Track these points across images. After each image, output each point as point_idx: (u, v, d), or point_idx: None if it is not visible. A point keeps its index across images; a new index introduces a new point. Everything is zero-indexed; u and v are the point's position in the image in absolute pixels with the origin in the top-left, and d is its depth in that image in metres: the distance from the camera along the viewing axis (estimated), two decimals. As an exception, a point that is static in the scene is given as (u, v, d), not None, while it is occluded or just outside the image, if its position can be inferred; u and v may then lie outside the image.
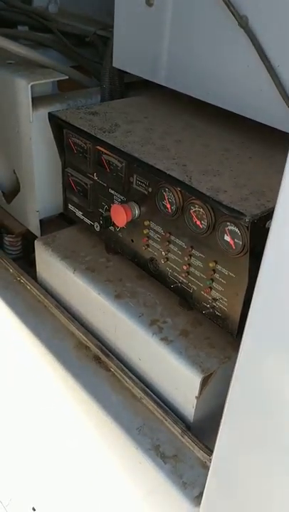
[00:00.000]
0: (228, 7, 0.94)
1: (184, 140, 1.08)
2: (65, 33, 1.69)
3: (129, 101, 1.32)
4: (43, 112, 1.26)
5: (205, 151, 1.04)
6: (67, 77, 1.35)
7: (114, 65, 1.30)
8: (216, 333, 1.05)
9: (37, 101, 1.28)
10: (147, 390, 1.09)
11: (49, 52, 1.62)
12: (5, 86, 1.31)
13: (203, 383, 0.97)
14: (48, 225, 1.47)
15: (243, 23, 0.94)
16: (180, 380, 1.01)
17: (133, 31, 1.20)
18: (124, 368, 1.13)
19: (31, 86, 1.23)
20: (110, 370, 1.15)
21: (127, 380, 1.11)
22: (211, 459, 0.91)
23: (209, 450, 0.98)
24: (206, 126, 1.16)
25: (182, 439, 1.01)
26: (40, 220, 1.44)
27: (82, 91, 1.45)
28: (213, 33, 1.02)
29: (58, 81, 1.37)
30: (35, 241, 1.33)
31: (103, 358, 1.17)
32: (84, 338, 1.21)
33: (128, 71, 1.29)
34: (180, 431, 1.01)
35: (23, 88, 1.24)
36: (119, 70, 1.32)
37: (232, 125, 1.15)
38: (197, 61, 1.08)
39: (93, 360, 1.18)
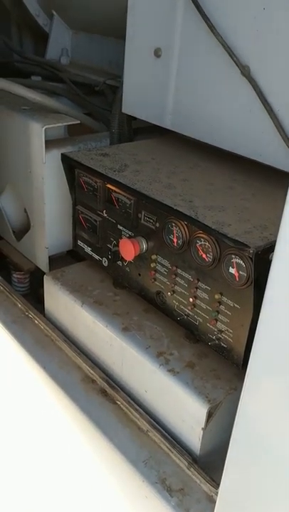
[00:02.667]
0: (232, 58, 1.02)
1: (189, 179, 1.14)
2: (76, 82, 1.80)
3: (137, 144, 1.40)
4: (56, 154, 1.33)
5: (210, 189, 1.09)
6: (78, 122, 1.43)
7: (123, 110, 1.38)
8: (221, 365, 1.07)
9: (50, 143, 1.35)
10: (153, 422, 1.09)
11: (61, 100, 1.72)
12: (20, 129, 1.39)
13: (210, 414, 0.98)
14: (56, 262, 1.51)
15: (245, 72, 1.02)
16: (186, 411, 1.02)
17: (142, 79, 1.29)
18: (131, 401, 1.14)
19: (45, 129, 1.30)
20: (116, 403, 1.16)
21: (133, 412, 1.12)
22: (217, 493, 0.91)
23: (216, 483, 0.98)
24: (211, 166, 1.23)
25: (189, 472, 1.01)
26: (49, 257, 1.49)
27: (92, 135, 1.53)
28: (217, 81, 1.09)
29: (68, 126, 1.46)
30: (45, 275, 1.37)
31: (109, 390, 1.18)
32: (90, 371, 1.22)
33: (136, 116, 1.37)
34: (186, 464, 1.01)
35: (38, 131, 1.32)
36: (128, 115, 1.40)
37: (235, 165, 1.21)
38: (202, 106, 1.15)
39: (100, 393, 1.19)
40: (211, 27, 1.03)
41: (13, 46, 2.34)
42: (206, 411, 0.97)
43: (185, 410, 1.02)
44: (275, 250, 0.66)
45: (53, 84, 1.83)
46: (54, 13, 1.98)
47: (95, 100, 1.73)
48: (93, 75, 1.81)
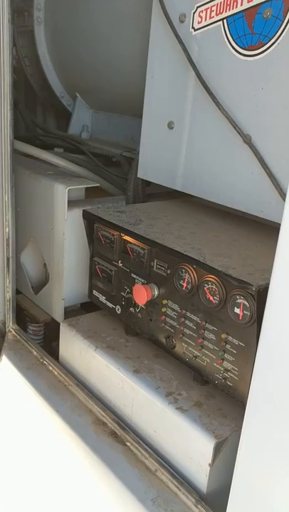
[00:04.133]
0: (235, 128, 1.18)
1: (198, 232, 1.26)
2: (95, 154, 1.99)
3: (151, 204, 1.54)
4: (76, 212, 1.47)
5: (216, 240, 1.21)
6: (98, 185, 1.59)
7: (138, 175, 1.54)
8: (228, 405, 1.12)
9: (71, 203, 1.49)
10: (162, 461, 1.13)
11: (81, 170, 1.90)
12: (46, 190, 1.55)
13: (216, 449, 1.02)
14: (70, 314, 1.60)
15: (247, 140, 1.17)
16: (194, 448, 1.06)
17: (156, 148, 1.45)
18: (140, 441, 1.18)
19: (68, 190, 1.45)
20: (126, 445, 1.20)
21: (143, 452, 1.15)
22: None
23: (222, 521, 1.00)
24: (217, 223, 1.36)
25: (196, 509, 1.03)
26: (64, 309, 1.58)
27: (109, 197, 1.68)
28: (222, 148, 1.25)
29: (86, 191, 1.61)
30: (61, 323, 1.46)
31: (120, 432, 1.22)
32: (102, 413, 1.27)
33: (150, 180, 1.52)
34: (194, 501, 1.04)
35: (61, 192, 1.47)
36: (142, 180, 1.56)
37: (239, 221, 1.34)
38: (209, 170, 1.30)
39: (110, 435, 1.24)
40: (217, 103, 1.20)
41: (38, 123, 2.59)
42: (212, 446, 1.02)
43: (192, 447, 1.06)
44: (269, 293, 0.76)
45: (74, 155, 2.02)
46: (78, 95, 2.22)
47: (112, 170, 1.91)
48: (111, 147, 2.00)
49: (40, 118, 2.71)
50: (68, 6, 2.02)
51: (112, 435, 1.24)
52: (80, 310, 1.68)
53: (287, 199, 0.72)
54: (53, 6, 2.11)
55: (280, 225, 1.16)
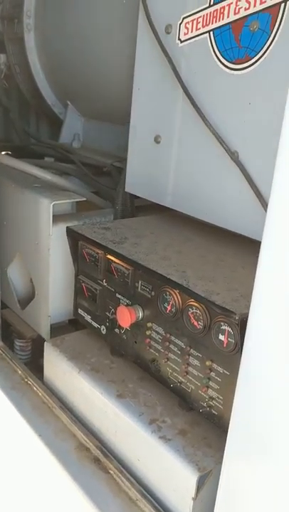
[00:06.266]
0: (222, 145, 1.13)
1: (184, 251, 1.21)
2: (85, 164, 1.94)
3: (138, 219, 1.50)
4: (62, 228, 1.42)
5: (202, 261, 1.16)
6: (85, 199, 1.55)
7: (126, 189, 1.50)
8: (213, 434, 1.08)
9: (57, 218, 1.45)
10: (144, 492, 1.08)
11: (71, 180, 1.86)
12: (31, 204, 1.50)
13: (200, 483, 0.98)
14: (57, 331, 1.56)
15: (234, 157, 1.12)
16: (177, 480, 1.01)
17: (143, 162, 1.41)
18: (123, 470, 1.14)
19: (53, 205, 1.41)
20: (109, 472, 1.16)
21: (125, 482, 1.11)
22: None
23: None
24: (204, 241, 1.31)
25: None
26: (50, 326, 1.54)
27: (97, 211, 1.64)
28: (210, 165, 1.20)
29: (76, 202, 1.57)
30: (45, 342, 1.42)
31: (103, 459, 1.18)
32: (85, 439, 1.23)
33: (138, 195, 1.48)
34: (176, 536, 1.00)
35: (46, 206, 1.42)
36: (131, 193, 1.51)
37: (227, 240, 1.29)
38: (198, 187, 1.26)
39: (93, 462, 1.19)
40: (204, 118, 1.16)
41: (31, 131, 2.56)
42: (196, 479, 0.98)
43: (175, 478, 1.02)
44: (248, 324, 0.72)
45: (64, 165, 1.98)
46: (69, 103, 2.18)
47: (102, 180, 1.86)
48: (102, 157, 1.95)
49: (34, 126, 2.67)
50: (58, 13, 1.98)
51: (96, 462, 1.19)
52: (67, 326, 1.63)
53: (264, 236, 0.67)
54: (43, 13, 2.07)
55: (268, 245, 1.12)
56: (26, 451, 1.31)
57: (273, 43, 1.01)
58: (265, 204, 1.08)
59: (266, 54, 1.03)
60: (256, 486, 0.79)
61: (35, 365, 1.68)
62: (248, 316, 0.91)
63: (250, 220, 1.13)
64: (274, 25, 1.00)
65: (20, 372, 1.49)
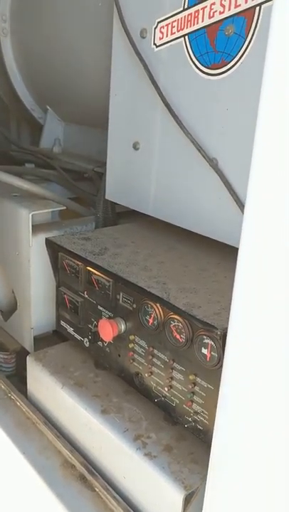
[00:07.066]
0: (200, 151, 1.11)
1: (165, 261, 1.19)
2: (66, 169, 1.91)
3: (119, 228, 1.46)
4: (42, 238, 1.39)
5: (184, 271, 1.14)
6: (64, 208, 1.51)
7: (106, 197, 1.46)
8: (199, 449, 1.06)
9: (37, 228, 1.42)
10: (131, 511, 1.06)
11: (52, 186, 1.83)
12: (9, 215, 1.47)
13: (186, 501, 0.96)
14: (41, 342, 1.53)
15: (213, 164, 1.10)
16: (163, 498, 0.99)
17: (123, 170, 1.38)
18: (109, 488, 1.11)
19: (32, 215, 1.38)
20: (95, 490, 1.13)
21: (111, 500, 1.08)
22: None
23: None
24: (187, 249, 1.28)
25: None
26: (34, 337, 1.51)
27: (78, 219, 1.60)
28: (190, 172, 1.18)
29: (58, 210, 1.53)
30: (28, 356, 1.38)
31: (88, 477, 1.15)
32: (70, 455, 1.20)
33: (119, 203, 1.45)
34: None
35: (25, 217, 1.39)
36: (111, 201, 1.48)
37: (210, 248, 1.27)
38: (178, 195, 1.23)
39: (78, 479, 1.16)
40: (180, 124, 1.13)
41: (11, 137, 2.51)
42: (182, 498, 0.95)
43: (162, 497, 0.99)
44: (227, 339, 0.69)
45: (45, 170, 1.95)
46: (48, 107, 2.14)
47: (84, 185, 1.83)
48: (83, 162, 1.92)
49: (15, 131, 2.63)
50: (35, 17, 1.94)
51: (81, 479, 1.16)
52: (52, 337, 1.60)
53: (240, 251, 0.65)
54: (20, 17, 2.03)
55: (250, 253, 1.09)
56: (10, 469, 1.28)
57: (249, 48, 0.99)
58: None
59: (242, 59, 1.01)
60: (241, 503, 0.76)
61: (20, 377, 1.65)
62: (230, 331, 0.89)
63: (231, 228, 1.11)
64: (249, 29, 0.98)
65: (3, 387, 1.46)
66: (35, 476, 1.18)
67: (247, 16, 0.98)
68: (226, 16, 1.01)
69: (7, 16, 2.05)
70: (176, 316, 0.99)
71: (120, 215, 1.59)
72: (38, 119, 2.25)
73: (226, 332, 0.89)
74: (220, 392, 0.73)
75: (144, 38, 1.22)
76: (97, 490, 1.12)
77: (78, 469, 1.18)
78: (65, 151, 2.16)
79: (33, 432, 1.30)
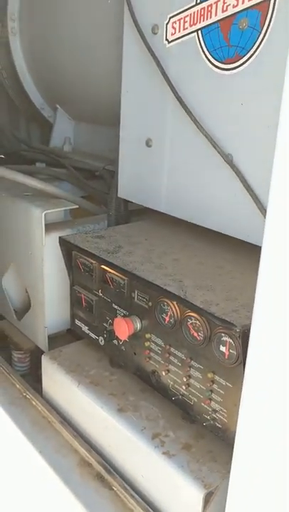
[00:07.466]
0: (214, 147, 1.10)
1: (180, 259, 1.18)
2: (77, 168, 1.90)
3: (132, 225, 1.46)
4: (55, 237, 1.39)
5: (200, 268, 1.13)
6: (77, 207, 1.51)
7: (119, 195, 1.46)
8: (218, 447, 1.05)
9: (49, 227, 1.41)
10: (150, 510, 1.05)
11: (63, 185, 1.82)
12: (22, 214, 1.47)
13: (206, 500, 0.95)
14: (55, 341, 1.52)
15: (228, 160, 1.09)
16: (183, 497, 0.98)
17: (135, 167, 1.37)
18: (127, 487, 1.10)
19: (44, 214, 1.37)
20: (113, 489, 1.12)
21: (130, 499, 1.08)
22: None
23: None
24: (202, 246, 1.27)
25: None
26: (48, 336, 1.51)
27: (90, 218, 1.60)
28: (204, 168, 1.16)
29: (70, 209, 1.53)
30: (42, 356, 1.38)
31: (106, 475, 1.15)
32: (87, 454, 1.20)
33: (132, 201, 1.44)
34: None
35: (38, 216, 1.39)
36: (124, 199, 1.48)
37: (225, 245, 1.26)
38: (192, 192, 1.22)
39: (96, 478, 1.16)
40: (195, 120, 1.12)
41: (21, 137, 2.51)
42: (202, 497, 0.94)
43: (181, 496, 0.99)
44: (251, 335, 0.68)
45: (56, 170, 1.94)
46: (58, 106, 2.14)
47: (95, 184, 1.82)
48: (94, 160, 1.91)
49: (24, 131, 2.63)
50: (45, 15, 1.93)
51: (99, 478, 1.16)
52: (66, 336, 1.60)
53: (265, 239, 0.64)
54: (29, 16, 2.03)
55: (267, 249, 1.08)
56: (27, 468, 1.28)
57: (264, 41, 0.97)
58: (261, 207, 1.05)
59: (257, 52, 0.99)
60: (265, 502, 0.75)
61: (34, 376, 1.65)
62: (249, 328, 0.88)
63: (247, 224, 1.10)
64: (264, 22, 0.96)
65: (18, 386, 1.46)
66: (52, 475, 1.18)
67: (261, 8, 0.96)
68: (239, 10, 1.00)
69: (16, 16, 2.05)
70: (193, 314, 0.98)
71: (132, 213, 1.59)
72: (47, 118, 2.25)
73: (245, 329, 0.88)
74: (243, 391, 0.72)
75: (155, 34, 1.21)
76: (115, 489, 1.12)
77: (95, 468, 1.18)
78: (76, 149, 2.15)
79: (49, 430, 1.30)
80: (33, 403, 1.38)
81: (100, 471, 1.16)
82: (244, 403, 0.73)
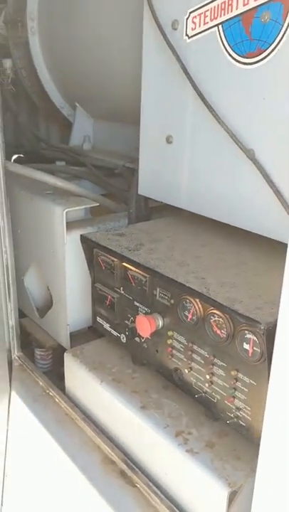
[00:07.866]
0: (236, 142, 1.08)
1: (202, 256, 1.17)
2: (97, 166, 1.91)
3: (153, 223, 1.45)
4: (76, 235, 1.39)
5: (223, 265, 1.12)
6: (98, 205, 1.51)
7: (139, 192, 1.45)
8: (242, 445, 1.04)
9: (71, 225, 1.42)
10: (174, 508, 1.05)
11: (83, 183, 1.83)
12: (43, 213, 1.48)
13: (231, 499, 0.94)
14: (77, 338, 1.53)
15: (250, 155, 1.07)
16: (207, 495, 0.98)
17: (155, 164, 1.37)
18: (150, 484, 1.11)
19: (66, 212, 1.38)
20: (136, 486, 1.12)
21: (153, 496, 1.08)
22: None
23: None
24: (224, 243, 1.26)
25: None
26: (70, 334, 1.52)
27: (111, 215, 1.60)
28: (225, 164, 1.15)
29: (90, 207, 1.54)
30: (65, 353, 1.39)
31: (129, 473, 1.15)
32: (110, 452, 1.20)
33: (152, 198, 1.43)
34: None
35: (59, 214, 1.39)
36: (145, 196, 1.47)
37: (248, 241, 1.24)
38: (213, 188, 1.21)
39: (119, 475, 1.16)
40: (216, 116, 1.11)
41: (40, 136, 2.53)
42: (226, 495, 0.94)
43: (205, 494, 0.98)
44: (277, 332, 0.67)
45: (76, 168, 1.95)
46: (77, 104, 2.14)
47: (115, 182, 1.83)
48: (113, 158, 1.91)
49: (44, 130, 2.64)
50: (63, 14, 1.94)
51: (122, 475, 1.16)
52: (88, 333, 1.60)
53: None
54: (47, 15, 2.04)
55: (290, 245, 1.06)
56: (51, 465, 1.29)
57: (287, 34, 0.96)
58: (285, 202, 1.03)
59: (279, 46, 0.98)
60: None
61: (56, 373, 1.66)
62: (273, 325, 0.87)
63: (269, 220, 1.08)
64: (286, 15, 0.95)
65: (41, 383, 1.47)
66: (76, 471, 1.19)
67: (284, 1, 0.95)
68: (261, 3, 0.98)
69: (35, 15, 2.06)
70: (216, 311, 0.97)
71: (153, 210, 1.58)
72: (67, 117, 2.26)
73: (269, 327, 0.87)
74: (269, 388, 0.71)
75: (175, 29, 1.20)
76: (138, 486, 1.12)
77: (119, 465, 1.18)
78: (95, 147, 2.16)
79: (72, 428, 1.31)
80: (56, 400, 1.40)
81: (124, 468, 1.17)
82: (270, 401, 0.72)
